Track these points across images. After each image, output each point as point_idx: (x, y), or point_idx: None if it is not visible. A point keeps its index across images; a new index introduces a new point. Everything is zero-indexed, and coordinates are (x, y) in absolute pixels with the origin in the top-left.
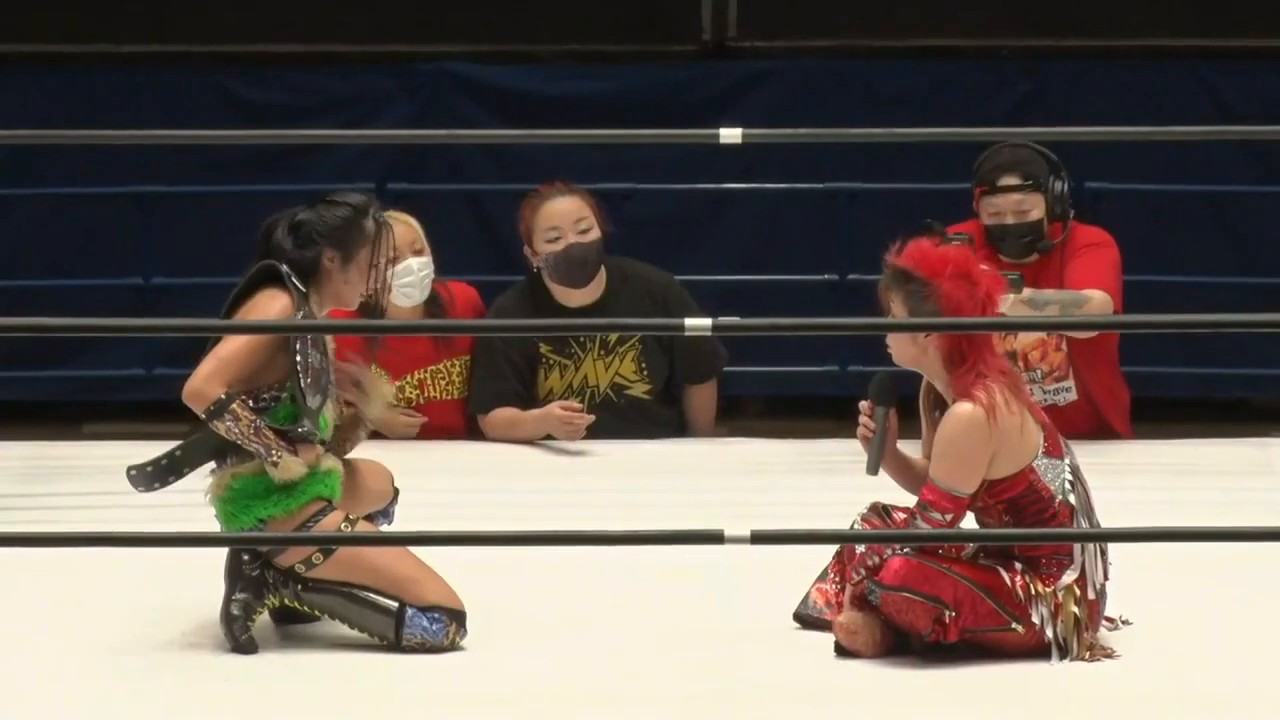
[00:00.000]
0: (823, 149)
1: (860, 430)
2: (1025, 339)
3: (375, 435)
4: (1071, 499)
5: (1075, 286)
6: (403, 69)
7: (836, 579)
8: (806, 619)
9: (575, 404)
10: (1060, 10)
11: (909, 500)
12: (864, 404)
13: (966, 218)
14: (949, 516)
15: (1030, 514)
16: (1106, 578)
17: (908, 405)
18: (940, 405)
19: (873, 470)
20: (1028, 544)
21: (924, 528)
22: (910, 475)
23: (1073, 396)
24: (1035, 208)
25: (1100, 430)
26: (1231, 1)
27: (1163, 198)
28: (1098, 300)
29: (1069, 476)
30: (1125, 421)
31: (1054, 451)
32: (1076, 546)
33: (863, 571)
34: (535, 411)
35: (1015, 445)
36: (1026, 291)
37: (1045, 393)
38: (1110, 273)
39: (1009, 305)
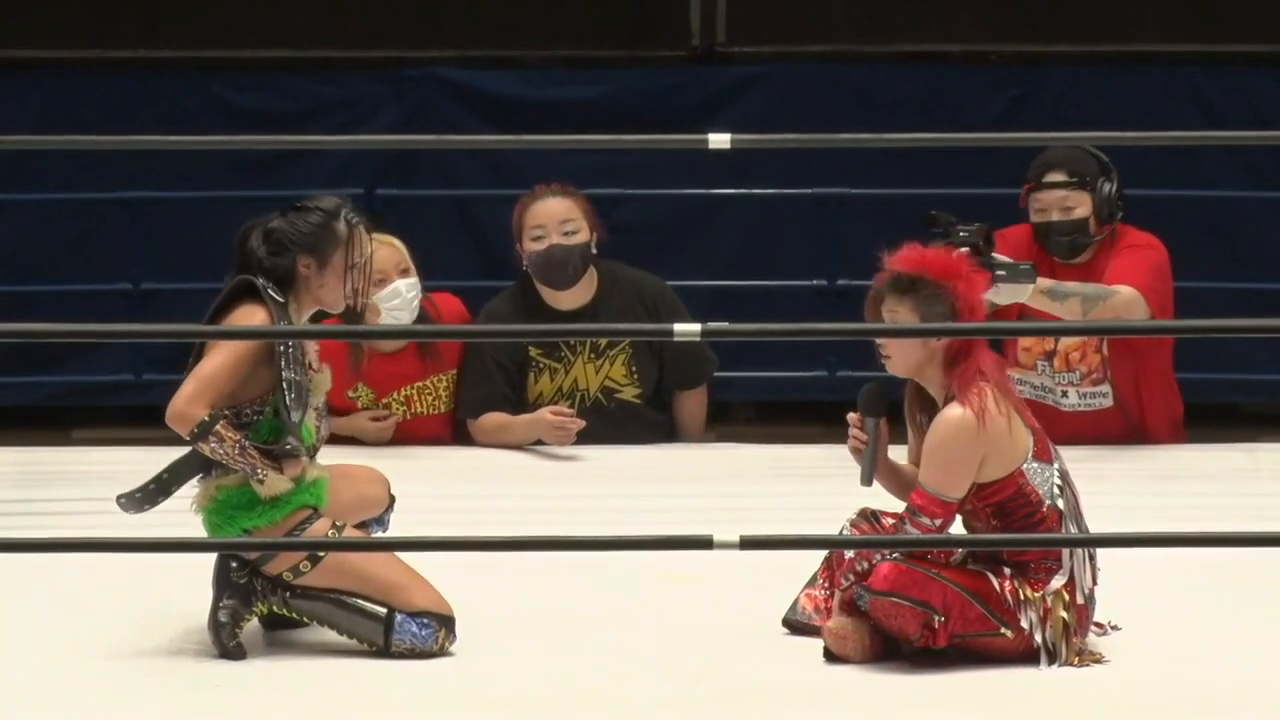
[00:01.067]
0: (812, 154)
1: (851, 442)
2: (1068, 338)
3: (354, 441)
4: (1060, 504)
5: (1110, 283)
6: (392, 74)
7: (825, 585)
8: (795, 625)
9: (566, 409)
10: (1050, 15)
11: (898, 506)
12: (853, 416)
13: (959, 221)
14: (938, 521)
15: (1018, 518)
16: (1095, 583)
17: (893, 412)
18: (926, 411)
19: (867, 481)
20: (1016, 549)
21: (913, 533)
22: (900, 481)
23: (1108, 403)
24: (1080, 205)
25: (1132, 439)
26: (1221, 7)
27: (1152, 203)
28: (1124, 296)
29: (1058, 481)
30: (1175, 432)
31: (1043, 455)
32: (1065, 551)
33: (851, 577)
34: (526, 416)
35: (1004, 449)
36: (1046, 282)
37: (1081, 396)
38: (1147, 273)
39: (1029, 296)
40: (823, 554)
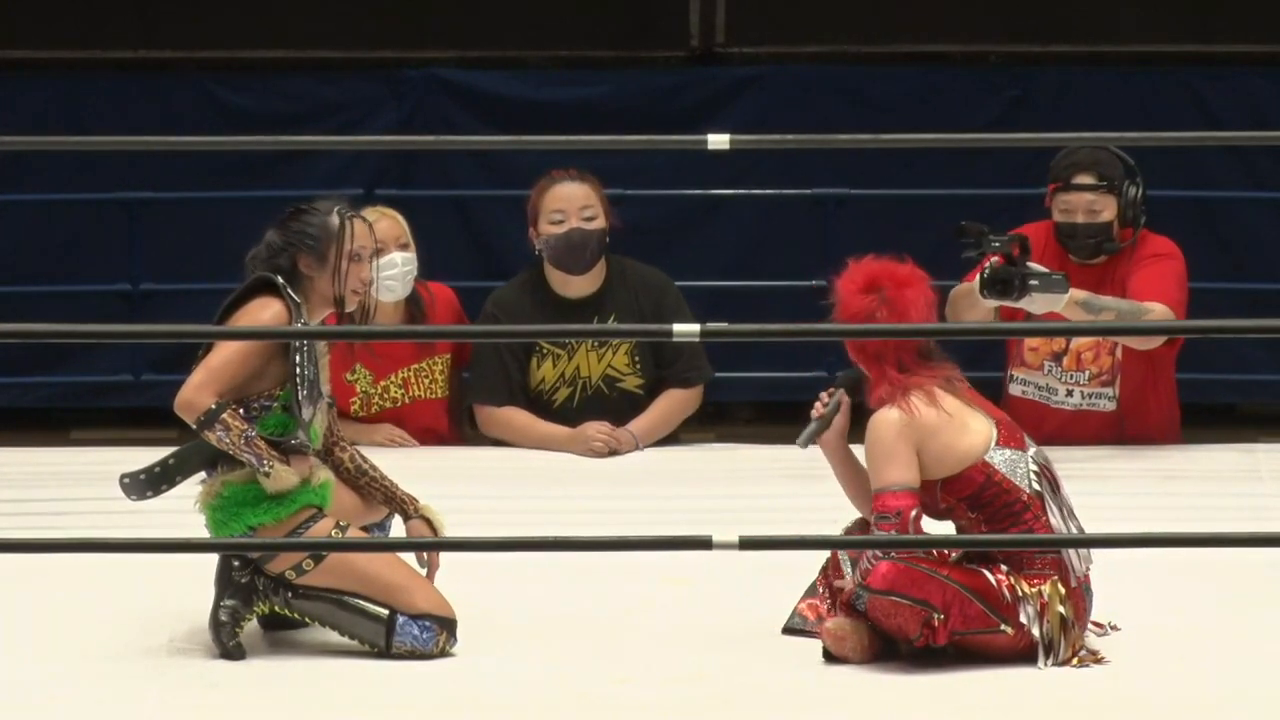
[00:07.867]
0: (810, 155)
1: (815, 408)
2: (1081, 338)
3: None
4: (1039, 487)
5: (1138, 296)
6: (391, 75)
7: (825, 593)
8: (796, 633)
9: (607, 425)
10: (1048, 16)
11: None
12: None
13: (991, 230)
14: (902, 514)
15: (997, 508)
16: (1089, 564)
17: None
18: None
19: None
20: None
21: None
22: (855, 483)
23: (1110, 406)
24: (1107, 209)
25: (1124, 443)
26: (1218, 8)
27: (1150, 203)
28: (1158, 313)
29: (1033, 467)
30: (1174, 437)
31: (1012, 443)
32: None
33: (849, 569)
34: (565, 430)
35: (952, 437)
36: (1082, 294)
37: (1084, 397)
38: (1174, 285)
39: (1063, 306)
40: (820, 562)
